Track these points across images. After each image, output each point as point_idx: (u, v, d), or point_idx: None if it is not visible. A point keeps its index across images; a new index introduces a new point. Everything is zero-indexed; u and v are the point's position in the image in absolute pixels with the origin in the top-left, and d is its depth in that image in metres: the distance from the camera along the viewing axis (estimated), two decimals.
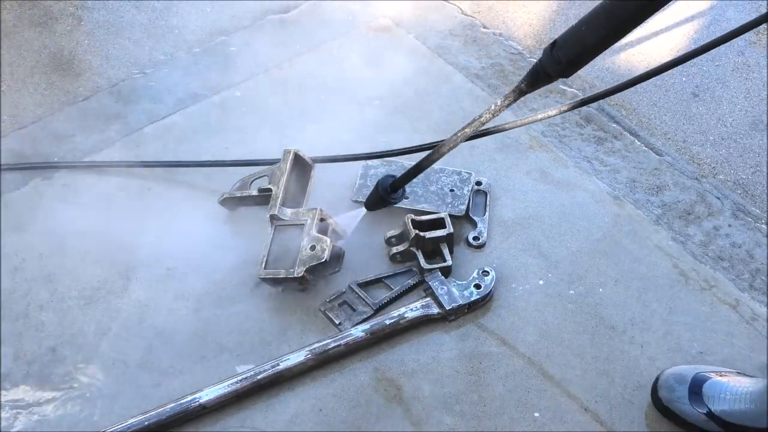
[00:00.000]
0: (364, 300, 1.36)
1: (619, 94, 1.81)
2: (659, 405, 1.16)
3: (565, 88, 1.83)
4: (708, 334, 1.33)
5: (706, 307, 1.37)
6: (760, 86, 1.84)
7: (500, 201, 1.56)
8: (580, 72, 1.87)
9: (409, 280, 1.40)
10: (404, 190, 1.29)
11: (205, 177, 1.60)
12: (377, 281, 1.41)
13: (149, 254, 1.47)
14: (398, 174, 1.54)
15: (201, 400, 1.20)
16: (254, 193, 1.46)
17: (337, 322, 1.33)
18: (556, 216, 1.53)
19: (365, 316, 1.34)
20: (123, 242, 1.49)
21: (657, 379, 1.18)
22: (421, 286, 1.39)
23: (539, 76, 0.99)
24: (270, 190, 1.43)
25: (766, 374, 1.20)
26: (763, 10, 2.04)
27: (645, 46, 1.97)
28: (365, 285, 1.40)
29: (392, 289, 1.38)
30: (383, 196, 1.28)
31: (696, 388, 1.11)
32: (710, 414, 1.07)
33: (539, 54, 1.93)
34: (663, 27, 2.03)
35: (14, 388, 1.27)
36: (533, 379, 1.27)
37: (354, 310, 1.36)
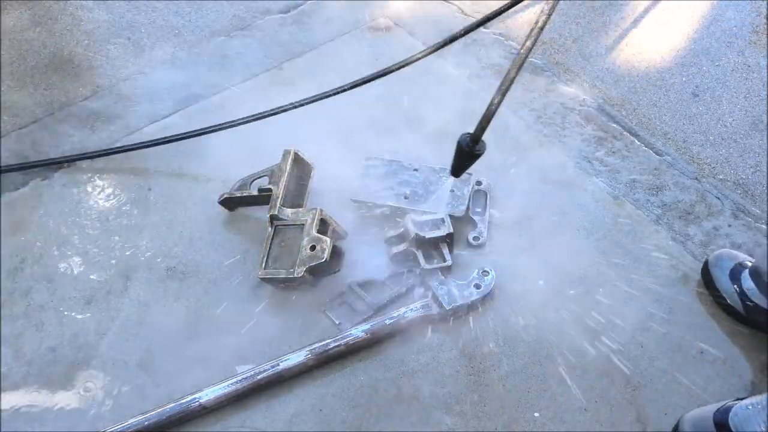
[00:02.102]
0: (364, 300, 1.36)
1: (619, 94, 1.82)
2: (705, 271, 1.40)
3: (565, 88, 1.83)
4: (708, 334, 1.33)
5: (706, 307, 1.37)
6: (760, 86, 1.84)
7: (500, 201, 1.56)
8: (580, 72, 1.88)
9: (409, 281, 1.40)
10: (484, 141, 1.26)
11: (205, 177, 1.61)
12: (377, 281, 1.40)
13: (149, 254, 1.47)
14: (399, 171, 1.55)
15: (201, 400, 1.20)
16: (254, 193, 1.46)
17: (337, 322, 1.33)
18: (556, 216, 1.53)
19: (365, 316, 1.34)
20: (123, 242, 1.49)
21: (710, 255, 1.41)
22: (421, 286, 1.39)
23: None
24: (270, 190, 1.43)
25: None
26: (763, 11, 2.05)
27: (644, 46, 1.97)
28: (365, 285, 1.40)
29: (392, 289, 1.38)
30: (469, 151, 1.24)
31: (736, 272, 1.35)
32: (741, 292, 1.32)
33: (539, 54, 1.94)
34: (663, 27, 2.03)
35: (14, 387, 1.27)
36: (533, 379, 1.27)
37: (354, 310, 1.36)
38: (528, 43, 1.06)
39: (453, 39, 1.38)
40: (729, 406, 1.11)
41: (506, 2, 1.30)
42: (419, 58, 1.42)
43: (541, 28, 1.05)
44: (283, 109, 1.56)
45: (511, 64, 1.08)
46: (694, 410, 1.17)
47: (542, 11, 1.04)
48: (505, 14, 2.07)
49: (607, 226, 1.51)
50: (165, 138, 1.63)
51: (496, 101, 1.13)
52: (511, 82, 1.10)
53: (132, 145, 1.64)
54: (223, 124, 1.60)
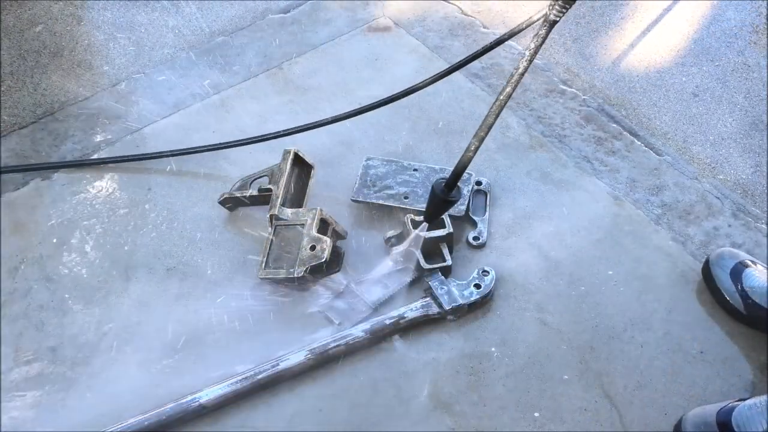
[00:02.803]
0: (362, 299, 1.36)
1: (619, 94, 1.82)
2: (706, 270, 1.39)
3: (565, 88, 1.83)
4: (708, 334, 1.33)
5: (706, 307, 1.37)
6: (760, 86, 1.84)
7: (500, 201, 1.56)
8: (580, 72, 1.88)
9: (406, 278, 1.40)
10: (459, 187, 1.24)
11: (204, 177, 1.61)
12: (375, 280, 1.40)
13: (149, 254, 1.47)
14: (399, 171, 1.55)
15: (201, 400, 1.20)
16: (254, 193, 1.46)
17: (337, 322, 1.33)
18: (556, 216, 1.53)
19: (364, 315, 1.34)
20: (123, 242, 1.49)
21: (711, 254, 1.40)
22: (419, 284, 1.39)
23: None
24: (270, 190, 1.43)
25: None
26: (763, 11, 2.05)
27: (644, 46, 1.97)
28: (363, 284, 1.39)
29: (389, 288, 1.38)
30: (443, 197, 1.23)
31: (737, 271, 1.34)
32: (742, 290, 1.32)
33: (539, 54, 1.94)
34: (663, 27, 2.03)
35: (14, 387, 1.27)
36: (533, 379, 1.27)
37: (353, 309, 1.36)
38: (508, 89, 1.06)
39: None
40: (732, 406, 1.11)
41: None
42: (426, 85, 1.43)
43: (522, 74, 1.05)
44: (299, 129, 1.57)
45: (490, 110, 1.08)
46: (695, 409, 1.17)
47: (523, 58, 1.04)
48: (505, 15, 2.08)
49: (607, 226, 1.51)
50: (184, 149, 1.64)
51: (473, 148, 1.13)
52: (489, 128, 1.10)
53: (134, 155, 1.65)
54: (235, 141, 1.62)
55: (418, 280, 1.40)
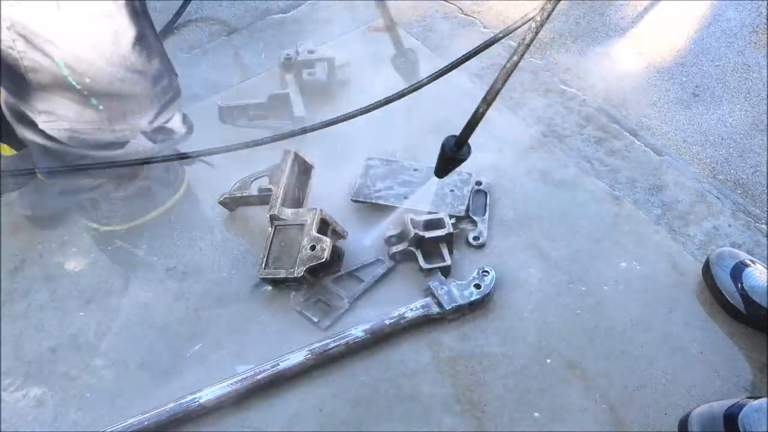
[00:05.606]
0: (338, 295, 1.37)
1: (619, 94, 1.82)
2: (706, 270, 1.39)
3: (564, 88, 1.83)
4: (708, 334, 1.33)
5: (706, 307, 1.37)
6: (760, 86, 1.84)
7: (500, 201, 1.56)
8: (580, 72, 1.88)
9: (379, 270, 1.40)
10: (469, 146, 1.25)
11: (204, 177, 1.60)
12: (348, 275, 1.41)
13: (149, 254, 1.47)
14: (399, 171, 1.55)
15: (201, 400, 1.20)
16: (254, 193, 1.46)
17: (315, 320, 1.33)
18: (556, 216, 1.53)
19: (342, 311, 1.35)
20: (123, 242, 1.49)
21: (711, 254, 1.40)
22: (392, 274, 1.41)
23: None
24: (270, 190, 1.43)
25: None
26: (763, 11, 2.05)
27: (644, 46, 1.97)
28: (338, 280, 1.40)
29: (363, 281, 1.39)
30: (452, 155, 1.23)
31: (737, 271, 1.34)
32: (742, 290, 1.32)
33: (539, 54, 1.94)
34: (663, 27, 2.03)
35: (14, 387, 1.27)
36: (533, 379, 1.27)
37: (329, 306, 1.36)
38: (515, 59, 1.07)
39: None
40: (740, 405, 1.11)
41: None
42: (423, 85, 1.42)
43: (528, 45, 1.06)
44: (309, 129, 1.55)
45: (497, 77, 1.09)
46: (702, 406, 1.17)
47: (529, 28, 1.04)
48: (505, 15, 2.08)
49: (607, 226, 1.51)
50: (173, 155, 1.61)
51: (480, 111, 1.15)
52: (497, 93, 1.12)
53: (139, 159, 1.62)
54: (235, 145, 1.58)
55: (393, 269, 1.41)
